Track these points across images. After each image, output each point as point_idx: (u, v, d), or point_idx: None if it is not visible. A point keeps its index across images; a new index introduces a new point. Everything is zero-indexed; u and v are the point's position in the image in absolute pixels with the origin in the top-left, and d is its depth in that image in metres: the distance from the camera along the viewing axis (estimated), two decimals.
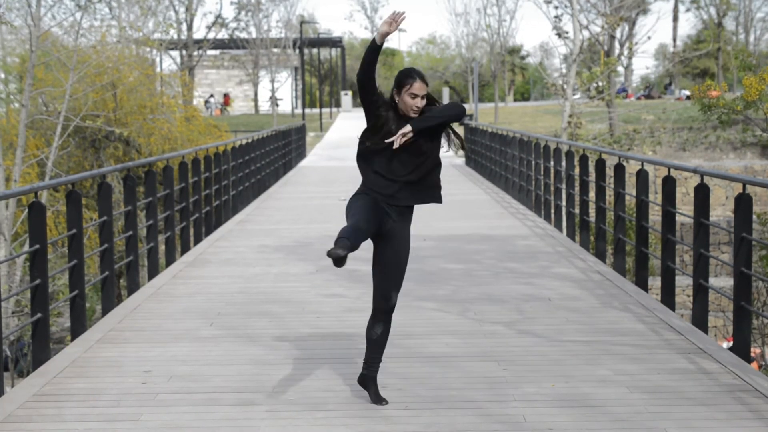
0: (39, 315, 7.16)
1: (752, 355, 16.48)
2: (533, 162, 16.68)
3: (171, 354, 7.17)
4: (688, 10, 67.42)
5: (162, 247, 13.96)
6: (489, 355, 7.04)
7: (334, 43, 66.76)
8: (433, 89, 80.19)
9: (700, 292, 8.08)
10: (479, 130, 25.32)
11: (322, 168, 28.30)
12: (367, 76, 5.68)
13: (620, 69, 34.04)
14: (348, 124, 45.72)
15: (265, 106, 64.96)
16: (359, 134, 5.86)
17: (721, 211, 29.70)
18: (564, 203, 14.21)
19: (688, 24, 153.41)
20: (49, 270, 7.30)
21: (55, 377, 6.58)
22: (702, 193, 8.11)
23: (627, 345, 7.27)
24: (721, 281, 23.92)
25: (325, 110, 60.10)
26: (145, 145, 25.93)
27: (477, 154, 25.64)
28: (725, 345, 15.90)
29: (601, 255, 11.48)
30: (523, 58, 76.77)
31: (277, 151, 24.28)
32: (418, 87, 5.69)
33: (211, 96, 62.47)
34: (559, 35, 25.28)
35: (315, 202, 18.02)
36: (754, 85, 22.40)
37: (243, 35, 61.60)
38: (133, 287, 9.88)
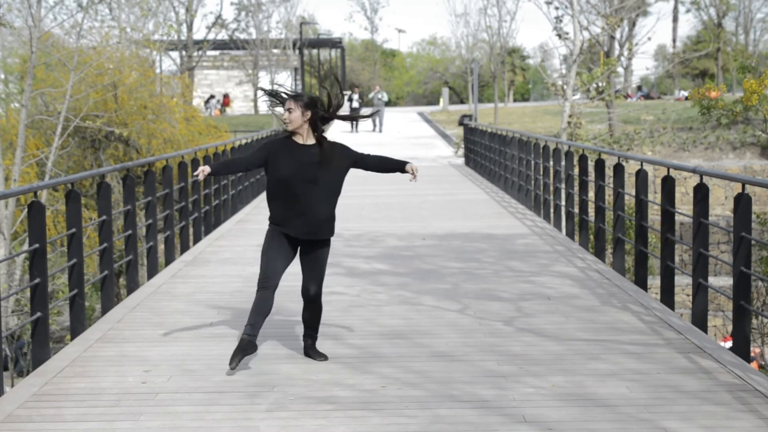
0: (39, 314, 7.16)
1: (752, 354, 16.48)
2: (533, 162, 16.69)
3: (171, 353, 7.17)
4: (688, 11, 67.45)
5: (161, 247, 13.97)
6: (489, 353, 7.04)
7: (334, 43, 66.73)
8: (433, 90, 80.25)
9: (700, 291, 8.08)
10: (479, 131, 25.32)
11: None
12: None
13: (620, 70, 33.97)
14: (348, 124, 45.71)
15: (264, 106, 64.92)
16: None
17: (721, 210, 29.70)
18: (563, 203, 14.21)
19: (688, 25, 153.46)
20: (48, 269, 7.30)
21: (54, 377, 6.58)
22: (701, 193, 8.11)
23: (626, 344, 7.27)
24: (721, 281, 23.92)
25: None
26: (147, 147, 25.92)
27: (477, 154, 25.65)
28: (722, 344, 15.89)
29: (600, 254, 11.48)
30: (524, 58, 76.74)
31: None
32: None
33: (212, 96, 62.45)
34: (559, 36, 25.26)
35: None
36: (754, 87, 22.34)
37: (243, 36, 61.56)
38: (133, 286, 9.88)
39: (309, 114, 6.65)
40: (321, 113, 6.69)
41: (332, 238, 6.88)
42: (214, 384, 6.38)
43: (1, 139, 22.35)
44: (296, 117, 6.63)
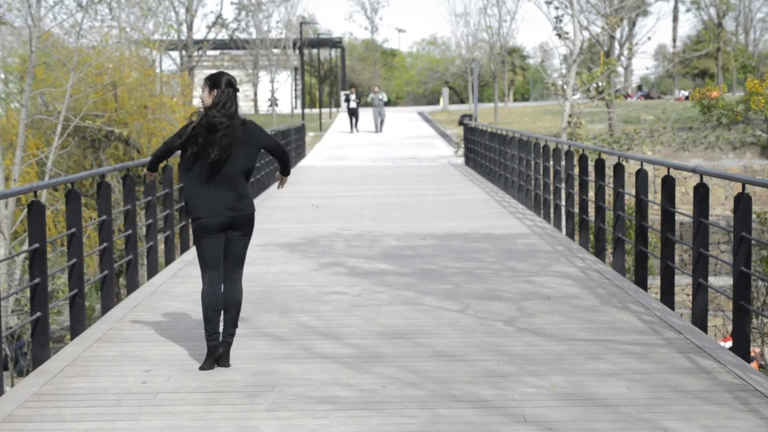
0: (39, 314, 7.16)
1: (752, 354, 16.48)
2: (533, 162, 16.69)
3: (171, 353, 7.17)
4: (688, 10, 67.45)
5: (161, 246, 13.96)
6: (489, 352, 7.04)
7: (334, 43, 66.76)
8: (433, 89, 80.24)
9: (700, 291, 8.08)
10: (479, 130, 25.32)
11: (321, 168, 28.30)
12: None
13: (620, 69, 33.96)
14: (348, 124, 45.71)
15: (264, 106, 64.97)
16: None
17: (721, 210, 29.71)
18: (563, 203, 14.22)
19: (688, 24, 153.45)
20: (48, 269, 7.30)
21: (54, 376, 6.58)
22: (701, 193, 8.11)
23: (627, 344, 7.27)
24: (721, 281, 23.93)
25: (325, 110, 60.10)
26: (147, 146, 25.91)
27: (477, 153, 25.65)
28: (722, 344, 15.89)
29: (600, 254, 11.48)
30: (524, 58, 76.78)
31: None
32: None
33: None
34: (559, 36, 25.25)
35: (314, 202, 18.03)
36: (757, 89, 22.27)
37: (243, 36, 61.55)
38: (133, 286, 9.88)
39: (215, 93, 6.58)
40: (230, 92, 6.59)
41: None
42: (214, 384, 6.38)
43: (1, 139, 22.36)
44: (204, 96, 6.64)
